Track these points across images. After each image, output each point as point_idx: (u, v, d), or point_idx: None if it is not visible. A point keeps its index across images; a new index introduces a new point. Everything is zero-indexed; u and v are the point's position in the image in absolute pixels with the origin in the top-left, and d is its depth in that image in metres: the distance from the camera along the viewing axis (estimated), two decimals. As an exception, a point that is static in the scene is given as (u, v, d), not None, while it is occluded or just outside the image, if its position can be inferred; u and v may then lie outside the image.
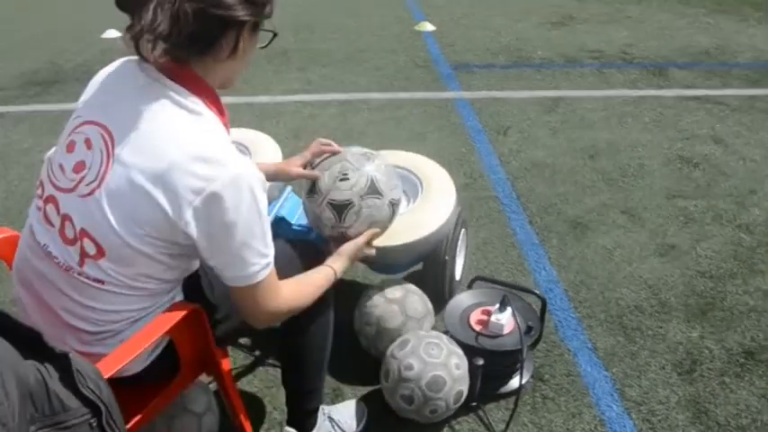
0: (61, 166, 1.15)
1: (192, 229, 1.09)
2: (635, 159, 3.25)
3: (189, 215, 1.07)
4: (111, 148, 1.11)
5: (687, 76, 4.56)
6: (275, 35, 1.22)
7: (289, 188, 2.05)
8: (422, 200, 1.93)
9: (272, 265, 1.18)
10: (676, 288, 2.26)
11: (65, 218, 1.14)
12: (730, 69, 4.76)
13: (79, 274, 1.14)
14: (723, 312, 2.14)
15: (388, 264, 1.97)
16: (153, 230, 1.10)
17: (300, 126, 3.62)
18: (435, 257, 1.96)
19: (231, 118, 1.23)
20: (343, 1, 6.85)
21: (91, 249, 1.12)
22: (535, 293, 1.86)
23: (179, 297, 1.26)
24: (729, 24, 6.12)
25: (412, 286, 1.87)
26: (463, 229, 2.10)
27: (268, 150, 2.20)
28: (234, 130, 2.16)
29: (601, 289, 2.25)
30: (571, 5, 6.76)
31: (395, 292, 1.82)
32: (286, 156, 2.12)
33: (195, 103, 1.12)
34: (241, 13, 1.10)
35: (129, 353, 1.10)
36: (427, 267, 2.02)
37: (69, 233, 1.13)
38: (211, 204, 1.07)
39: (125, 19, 1.08)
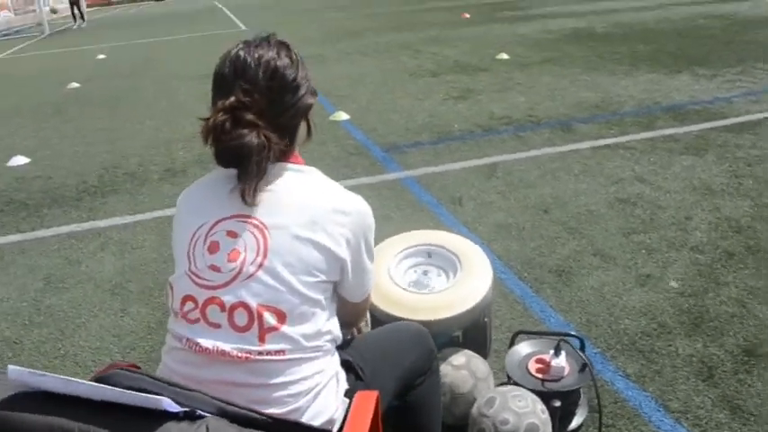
0: (213, 267, 1.23)
1: (347, 260, 1.32)
2: (582, 207, 3.64)
3: (344, 246, 1.30)
4: (260, 224, 1.25)
5: (591, 129, 5.13)
6: (316, 94, 1.46)
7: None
8: (463, 273, 2.13)
9: None
10: (666, 310, 2.58)
11: (233, 308, 1.21)
12: (622, 118, 5.40)
13: (259, 354, 1.20)
14: (712, 323, 2.48)
15: (439, 335, 2.15)
16: (321, 272, 1.27)
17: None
18: (476, 322, 2.17)
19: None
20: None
21: (271, 320, 1.21)
22: (573, 335, 2.10)
23: (342, 375, 1.39)
24: (604, 80, 6.93)
25: (468, 351, 2.06)
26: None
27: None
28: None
29: (607, 324, 2.53)
30: (464, 80, 7.39)
31: (459, 359, 2.00)
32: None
33: (302, 168, 1.35)
34: (311, 101, 1.37)
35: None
36: (468, 332, 2.22)
37: (242, 320, 1.21)
38: (358, 235, 1.33)
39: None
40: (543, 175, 4.18)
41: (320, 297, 1.28)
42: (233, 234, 1.25)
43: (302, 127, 1.37)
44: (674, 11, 13.00)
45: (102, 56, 12.83)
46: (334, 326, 1.36)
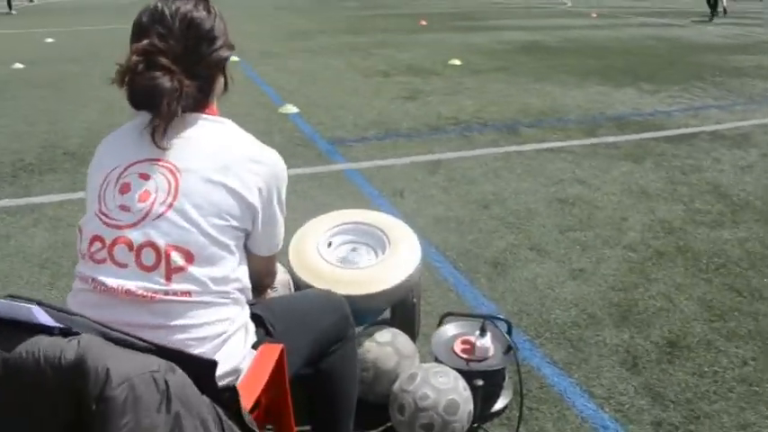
0: (123, 207, 1.21)
1: (258, 208, 1.29)
2: (522, 205, 3.65)
3: (256, 194, 1.28)
4: (172, 166, 1.23)
5: (536, 133, 5.19)
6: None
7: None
8: (391, 251, 2.10)
9: None
10: (597, 303, 2.60)
11: (141, 247, 1.19)
12: (567, 124, 5.48)
13: (165, 293, 1.18)
14: (640, 315, 2.50)
15: (366, 311, 2.10)
16: (233, 217, 1.25)
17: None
18: (405, 301, 2.13)
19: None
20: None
21: (179, 260, 1.19)
22: (500, 318, 2.08)
23: (251, 327, 1.35)
24: (553, 89, 7.04)
25: (394, 329, 2.02)
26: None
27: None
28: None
29: (538, 313, 2.53)
30: (416, 82, 7.40)
31: (384, 336, 1.96)
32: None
33: (218, 118, 1.34)
34: (226, 54, 1.34)
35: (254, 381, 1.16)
36: (396, 311, 2.18)
37: (149, 259, 1.18)
38: (270, 184, 1.31)
39: None
40: (486, 174, 4.20)
41: (230, 242, 1.26)
42: (145, 176, 1.24)
43: (219, 80, 1.36)
44: (624, 31, 13.37)
45: (50, 39, 12.39)
46: (243, 275, 1.33)
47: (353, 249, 2.15)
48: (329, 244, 2.15)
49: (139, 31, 1.26)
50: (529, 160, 4.47)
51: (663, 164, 4.39)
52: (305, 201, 3.76)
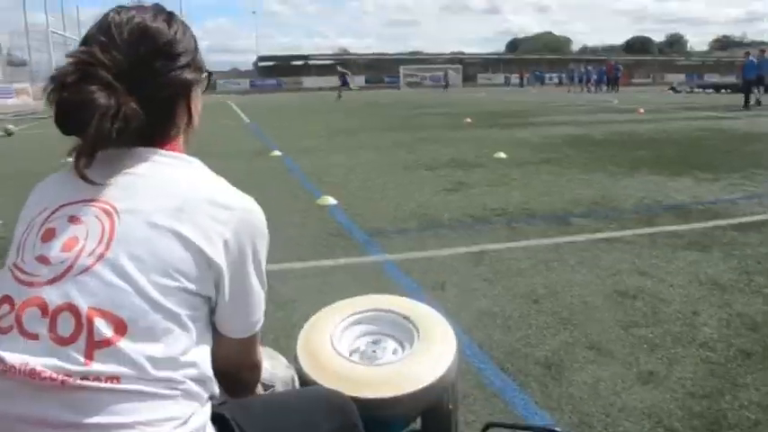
0: (41, 258, 0.94)
1: (223, 268, 1.00)
2: (576, 298, 3.26)
3: (221, 248, 0.99)
4: (110, 207, 0.96)
5: (589, 223, 4.83)
6: (210, 74, 1.18)
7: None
8: (420, 344, 1.75)
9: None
10: (675, 413, 2.16)
11: (57, 312, 0.89)
12: (621, 214, 5.12)
13: (83, 377, 0.86)
14: (732, 430, 2.05)
15: (389, 420, 1.73)
16: (185, 277, 0.94)
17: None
18: (438, 407, 1.76)
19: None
20: (236, 183, 6.83)
21: (105, 331, 0.88)
22: (556, 431, 1.68)
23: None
24: (603, 179, 6.72)
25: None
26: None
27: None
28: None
29: (603, 425, 2.10)
30: (458, 174, 7.19)
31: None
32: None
33: (179, 155, 1.06)
34: (190, 76, 1.09)
35: None
36: (428, 420, 1.80)
37: (66, 329, 0.88)
38: (240, 235, 1.02)
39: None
40: (535, 265, 3.83)
41: (180, 311, 0.95)
42: (75, 219, 0.97)
43: (181, 109, 1.10)
44: (671, 124, 13.12)
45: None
46: (202, 359, 0.99)
47: (375, 342, 1.81)
48: (344, 335, 1.82)
49: (83, 43, 1.02)
50: (582, 251, 4.09)
51: (733, 253, 3.95)
52: (335, 294, 3.43)
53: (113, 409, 0.86)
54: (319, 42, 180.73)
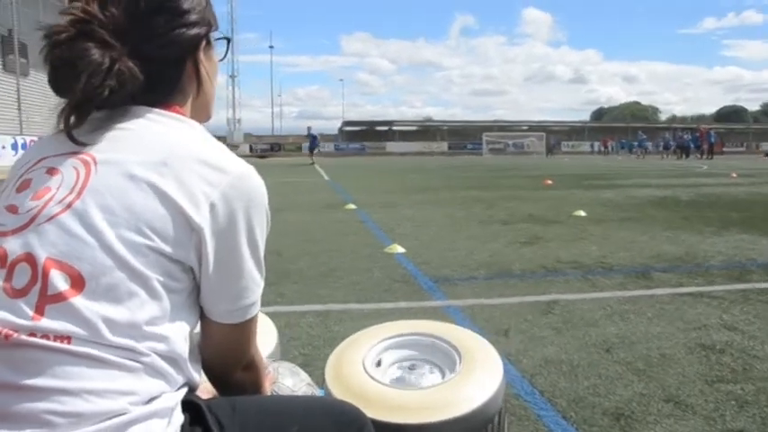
0: (10, 207, 0.87)
1: (205, 232, 0.87)
2: (654, 350, 2.96)
3: (206, 211, 0.87)
4: (90, 158, 0.87)
5: (672, 278, 4.48)
6: (229, 40, 1.11)
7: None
8: (463, 370, 1.57)
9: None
10: (766, 476, 1.85)
11: (16, 262, 0.81)
12: (708, 269, 4.74)
13: (30, 334, 0.76)
14: (837, 500, 1.72)
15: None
16: (159, 236, 0.82)
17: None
18: (480, 443, 1.55)
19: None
20: (308, 232, 6.86)
21: (60, 284, 0.79)
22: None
23: (177, 420, 0.86)
24: (688, 237, 6.31)
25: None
26: (506, 415, 1.72)
27: (261, 330, 1.85)
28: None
29: (678, 483, 1.82)
30: (535, 228, 6.94)
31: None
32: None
33: (180, 117, 0.96)
34: (197, 31, 1.00)
35: None
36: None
37: (21, 280, 0.80)
38: (230, 200, 0.89)
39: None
40: (609, 316, 3.54)
41: (151, 274, 0.83)
42: (53, 170, 0.89)
43: (187, 71, 1.01)
44: (766, 188, 12.35)
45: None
46: (175, 335, 0.87)
47: (411, 367, 1.65)
48: (379, 361, 1.66)
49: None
50: (662, 304, 3.76)
51: (839, 311, 3.53)
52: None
53: (57, 372, 0.75)
54: (405, 111, 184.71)
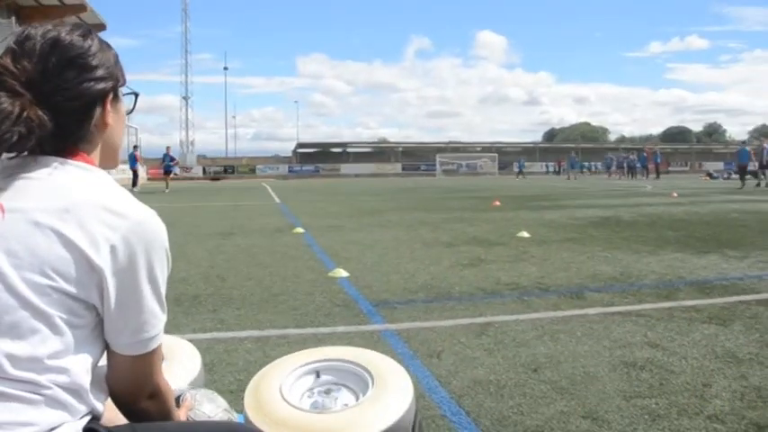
0: None
1: (106, 273, 0.93)
2: (579, 368, 3.06)
3: (106, 253, 0.95)
4: None
5: (604, 297, 4.63)
6: (137, 95, 1.20)
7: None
8: (373, 394, 1.62)
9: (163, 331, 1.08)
10: (669, 488, 1.94)
11: None
12: (640, 289, 4.91)
13: None
14: (731, 508, 1.82)
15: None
16: (62, 277, 0.90)
17: (214, 360, 3.26)
18: (392, 467, 1.60)
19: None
20: (254, 256, 6.84)
21: None
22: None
23: None
24: (625, 257, 6.52)
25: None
26: (422, 434, 1.78)
27: (185, 356, 1.88)
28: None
29: (587, 498, 1.90)
30: (478, 251, 7.06)
31: None
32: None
33: (87, 166, 1.03)
34: (104, 86, 1.07)
35: None
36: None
37: None
38: (130, 243, 0.97)
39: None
40: (540, 336, 3.64)
41: (53, 312, 0.90)
42: None
43: (93, 121, 1.07)
44: (705, 207, 12.86)
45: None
46: (78, 369, 0.93)
47: (327, 392, 1.69)
48: (296, 385, 1.70)
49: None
50: (592, 323, 3.89)
51: (756, 326, 3.71)
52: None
53: None
54: (361, 132, 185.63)
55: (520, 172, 47.25)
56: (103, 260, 0.94)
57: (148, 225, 1.01)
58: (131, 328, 1.01)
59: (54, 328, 0.91)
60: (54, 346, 0.91)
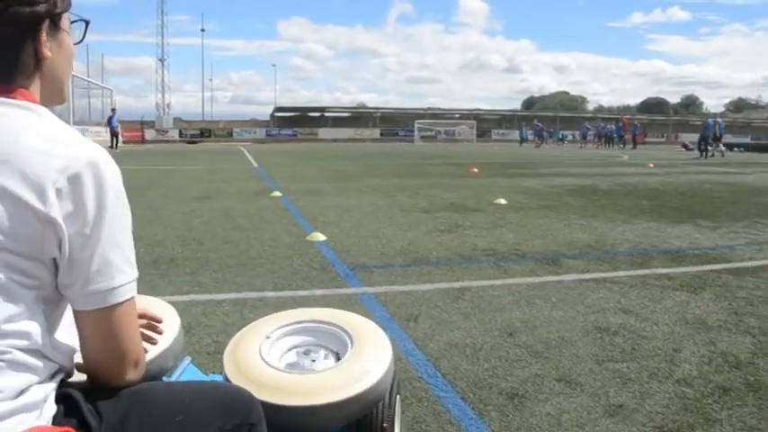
0: None
1: (57, 216, 0.87)
2: (554, 333, 3.11)
3: (52, 196, 0.87)
4: None
5: (579, 264, 4.69)
6: (87, 22, 1.10)
7: (188, 359, 1.71)
8: (352, 355, 1.63)
9: (135, 287, 1.00)
10: (639, 448, 2.00)
11: None
12: (615, 256, 4.98)
13: None
14: (697, 467, 1.88)
15: (309, 429, 1.60)
16: (7, 237, 0.85)
17: (192, 323, 3.25)
18: (368, 423, 1.62)
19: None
20: (231, 220, 6.79)
21: None
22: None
23: (49, 411, 0.89)
24: (601, 225, 6.59)
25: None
26: (399, 396, 1.80)
27: (165, 318, 1.86)
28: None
29: (559, 457, 1.95)
30: (455, 217, 7.09)
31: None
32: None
33: (25, 104, 0.95)
34: (38, 9, 0.96)
35: None
36: (357, 436, 1.66)
37: None
38: (78, 183, 0.90)
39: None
40: (517, 301, 3.69)
41: (2, 275, 0.85)
42: None
43: (29, 51, 0.98)
44: (681, 177, 13.02)
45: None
46: (39, 331, 0.89)
47: (306, 352, 1.70)
48: (275, 346, 1.71)
49: None
50: (567, 290, 3.95)
51: (725, 294, 3.79)
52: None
53: None
54: (340, 97, 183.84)
55: (539, 137, 42.92)
56: (52, 208, 0.87)
57: (99, 164, 0.92)
58: (86, 277, 0.93)
59: (6, 291, 0.85)
60: (9, 310, 0.85)
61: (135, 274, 0.99)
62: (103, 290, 0.94)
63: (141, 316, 1.30)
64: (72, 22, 1.07)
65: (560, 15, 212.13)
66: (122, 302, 0.97)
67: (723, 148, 26.63)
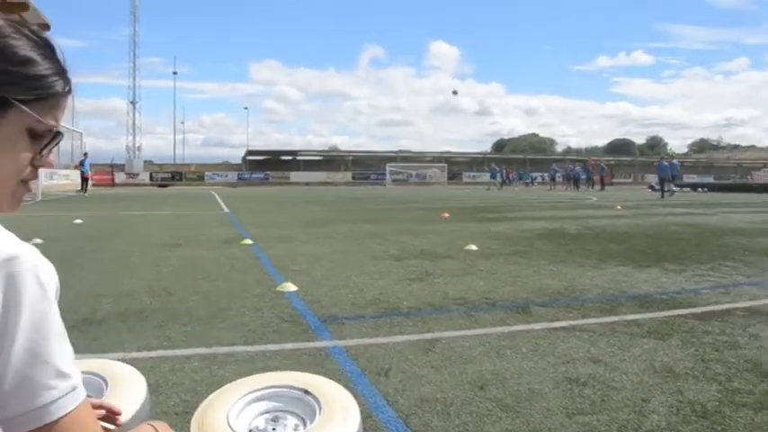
0: None
1: None
2: (524, 385, 3.12)
3: None
4: None
5: (549, 312, 4.73)
6: (57, 134, 0.90)
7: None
8: (319, 422, 1.62)
9: (81, 395, 0.86)
10: (609, 506, 2.00)
11: None
12: (584, 303, 5.03)
13: None
14: None
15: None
16: None
17: (160, 381, 3.19)
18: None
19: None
20: (201, 269, 6.73)
21: None
22: None
23: None
24: (570, 270, 6.67)
25: None
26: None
27: (131, 384, 1.83)
28: (88, 361, 1.83)
29: None
30: (426, 264, 7.11)
31: None
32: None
33: None
34: None
35: None
36: None
37: None
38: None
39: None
40: (487, 352, 3.70)
41: None
42: None
43: None
44: (647, 219, 13.26)
45: (78, 221, 12.78)
46: None
47: (274, 419, 1.69)
48: (243, 413, 1.69)
49: None
50: (538, 339, 3.97)
51: (691, 341, 3.85)
52: (272, 378, 3.28)
53: None
54: (312, 139, 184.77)
55: (503, 182, 44.79)
56: None
57: (17, 264, 0.80)
58: (14, 396, 0.80)
59: None
60: None
61: (71, 383, 0.86)
62: (30, 409, 0.81)
63: (99, 407, 1.27)
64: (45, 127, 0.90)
65: (529, 59, 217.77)
66: (64, 416, 0.84)
67: (675, 189, 28.49)
